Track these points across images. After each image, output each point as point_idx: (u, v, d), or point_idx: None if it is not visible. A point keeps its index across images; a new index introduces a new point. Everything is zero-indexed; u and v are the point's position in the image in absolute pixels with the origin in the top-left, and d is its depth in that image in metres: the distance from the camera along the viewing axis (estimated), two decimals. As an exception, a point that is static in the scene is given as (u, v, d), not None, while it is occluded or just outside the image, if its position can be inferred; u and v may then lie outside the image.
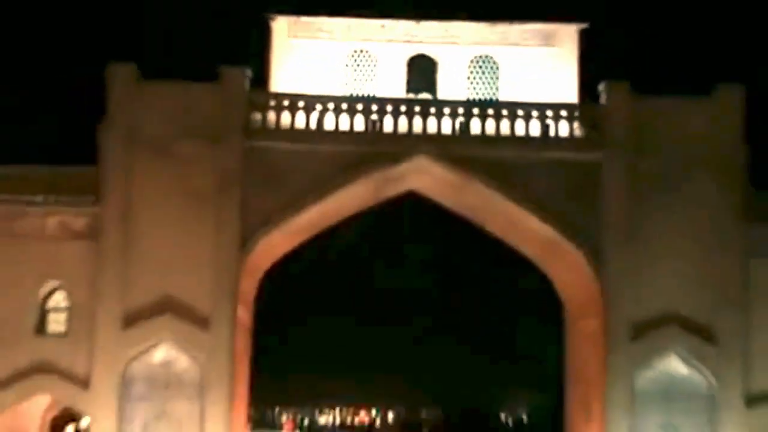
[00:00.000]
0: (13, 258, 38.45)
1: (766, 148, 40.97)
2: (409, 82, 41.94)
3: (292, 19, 41.91)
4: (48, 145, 44.02)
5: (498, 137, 39.97)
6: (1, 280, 38.33)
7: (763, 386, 38.77)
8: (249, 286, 41.73)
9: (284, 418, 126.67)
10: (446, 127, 40.05)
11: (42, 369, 38.21)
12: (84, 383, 38.03)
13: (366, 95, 40.69)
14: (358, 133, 39.83)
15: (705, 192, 39.12)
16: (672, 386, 38.97)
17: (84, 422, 41.44)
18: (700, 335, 38.80)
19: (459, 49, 42.17)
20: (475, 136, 39.96)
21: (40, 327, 38.82)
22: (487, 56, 42.19)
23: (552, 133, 40.12)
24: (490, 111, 40.17)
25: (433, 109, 40.25)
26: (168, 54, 50.43)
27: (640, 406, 38.72)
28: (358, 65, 41.98)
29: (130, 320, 38.19)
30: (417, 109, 40.19)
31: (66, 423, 47.82)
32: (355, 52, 42.02)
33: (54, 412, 43.28)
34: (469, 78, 42.16)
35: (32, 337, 38.49)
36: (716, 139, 39.42)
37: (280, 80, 41.46)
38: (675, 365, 39.06)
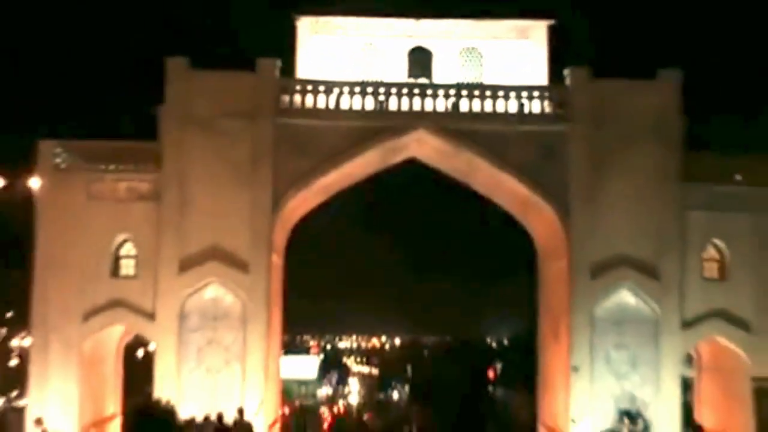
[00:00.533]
0: (91, 215, 38.45)
1: (699, 119, 41.03)
2: (409, 69, 41.64)
3: (314, 18, 41.59)
4: (119, 123, 43.93)
5: (482, 114, 39.75)
6: (82, 234, 38.23)
7: (695, 312, 38.88)
8: (281, 237, 41.87)
9: (311, 342, 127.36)
10: (440, 106, 39.86)
11: (116, 305, 38.47)
12: (150, 316, 38.34)
13: (374, 80, 40.27)
14: (368, 111, 39.63)
15: (650, 157, 39.03)
16: (623, 314, 39.06)
17: (151, 347, 41.52)
18: (645, 273, 38.85)
19: (450, 42, 41.90)
20: (464, 113, 39.73)
21: (114, 271, 38.89)
22: (473, 48, 41.92)
23: (526, 110, 39.83)
24: (476, 92, 39.90)
25: (429, 91, 40.04)
26: (212, 47, 50.21)
27: (598, 330, 38.86)
28: (367, 56, 41.71)
29: (185, 265, 38.35)
30: (416, 91, 39.98)
31: (137, 348, 48.35)
32: (365, 45, 41.75)
33: (127, 340, 43.55)
34: (458, 65, 41.85)
35: (108, 279, 38.59)
36: (659, 113, 39.27)
37: (304, 68, 41.17)
38: (626, 297, 39.12)
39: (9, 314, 65.02)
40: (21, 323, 50.56)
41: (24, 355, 49.20)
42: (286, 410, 64.33)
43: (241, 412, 33.68)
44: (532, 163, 39.71)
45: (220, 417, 33.64)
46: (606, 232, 39.10)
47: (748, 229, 39.40)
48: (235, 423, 32.70)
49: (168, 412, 32.48)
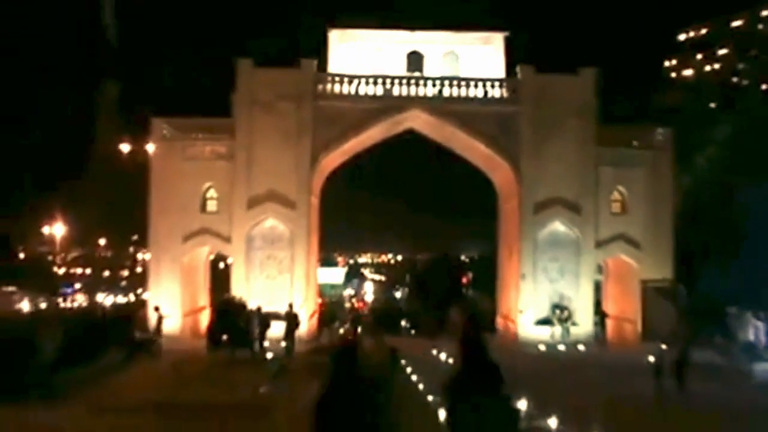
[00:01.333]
0: (186, 170, 39.06)
1: (609, 101, 41.93)
2: (407, 66, 41.56)
3: (341, 31, 41.74)
4: (205, 102, 44.71)
5: (459, 97, 39.93)
6: (180, 183, 38.83)
7: (604, 236, 39.75)
8: (317, 184, 42.32)
9: (339, 258, 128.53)
10: (429, 92, 40.02)
11: (204, 232, 39.39)
12: (228, 239, 39.19)
13: (382, 74, 40.28)
14: (378, 96, 39.82)
15: (575, 128, 39.55)
16: (556, 238, 39.84)
17: (228, 261, 42.56)
18: (571, 210, 39.64)
19: (436, 47, 41.91)
20: (446, 97, 39.94)
21: (203, 208, 39.62)
22: (452, 51, 41.98)
23: (489, 95, 40.03)
24: (454, 82, 40.05)
25: (421, 82, 40.17)
26: (268, 50, 50.90)
27: (539, 249, 39.77)
28: (377, 57, 41.65)
29: (251, 204, 38.97)
30: (412, 81, 40.15)
31: (219, 261, 49.44)
32: (376, 49, 41.72)
33: (212, 256, 44.48)
34: (442, 64, 41.78)
35: (199, 213, 39.36)
36: (581, 98, 39.66)
37: (334, 65, 41.23)
38: (558, 226, 39.95)
39: (134, 237, 66.99)
40: (142, 243, 51.89)
41: (145, 265, 50.42)
42: (321, 302, 65.52)
43: (290, 305, 33.60)
44: (494, 133, 40.03)
45: (291, 305, 33.87)
46: (545, 181, 39.58)
47: (641, 179, 39.88)
48: (287, 313, 32.68)
49: (241, 305, 32.92)
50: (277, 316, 33.04)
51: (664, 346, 21.14)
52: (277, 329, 32.47)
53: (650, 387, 20.42)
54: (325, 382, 7.22)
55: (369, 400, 7.05)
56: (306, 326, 38.74)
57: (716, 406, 18.70)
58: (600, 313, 40.26)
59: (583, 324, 39.11)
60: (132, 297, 70.43)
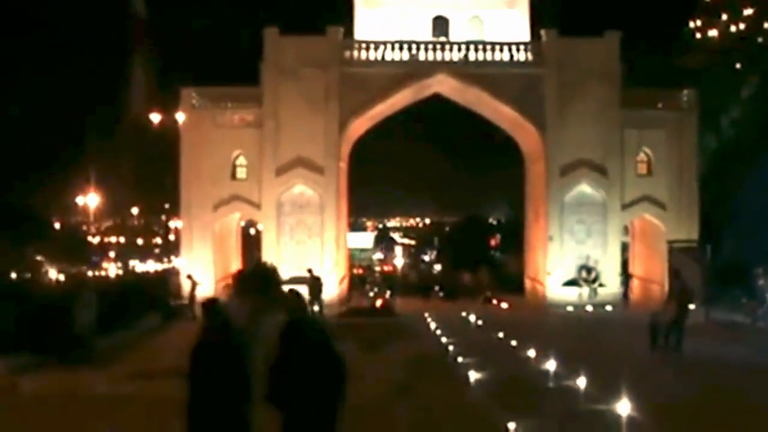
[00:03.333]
0: (216, 138, 39.25)
1: (633, 62, 41.21)
2: (433, 31, 41.45)
3: None
4: (232, 71, 44.74)
5: (484, 61, 39.72)
6: (210, 151, 39.11)
7: (630, 198, 39.69)
8: (345, 149, 42.31)
9: (368, 223, 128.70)
10: (455, 57, 39.87)
11: (235, 199, 39.64)
12: (258, 206, 39.46)
13: (408, 39, 40.06)
14: (405, 61, 39.71)
15: (599, 90, 39.24)
16: (582, 200, 39.81)
17: (259, 227, 43.03)
18: (597, 171, 39.53)
19: (461, 12, 41.78)
20: (472, 61, 39.74)
21: (233, 175, 39.86)
22: (477, 15, 41.86)
23: (515, 59, 39.83)
24: (480, 47, 39.88)
25: (447, 46, 40.07)
26: (295, 18, 50.62)
27: (565, 211, 39.75)
28: (403, 22, 41.37)
29: (280, 171, 39.12)
30: (438, 46, 40.02)
31: (250, 228, 49.84)
32: (402, 14, 41.48)
33: (243, 222, 44.94)
34: (467, 28, 41.70)
35: (229, 180, 39.62)
36: (605, 60, 39.38)
37: (360, 31, 41.19)
38: (584, 188, 39.86)
39: (166, 205, 67.51)
40: (174, 212, 52.40)
41: (177, 233, 50.99)
42: (356, 270, 65.83)
43: (310, 270, 32.88)
44: (519, 97, 39.80)
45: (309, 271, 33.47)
46: (570, 144, 39.41)
47: (666, 141, 39.72)
48: (309, 278, 31.91)
49: (272, 269, 33.37)
50: (300, 281, 33.05)
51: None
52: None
53: (647, 348, 20.19)
54: (199, 332, 7.56)
55: (238, 350, 7.36)
56: (337, 290, 39.19)
57: (715, 365, 18.45)
58: (627, 275, 40.22)
59: (610, 285, 39.14)
60: (165, 264, 71.40)
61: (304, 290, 31.35)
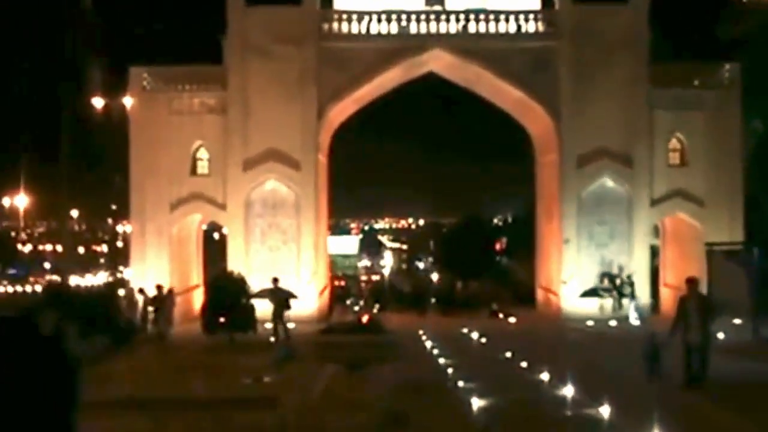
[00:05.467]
0: (173, 127, 39.36)
1: (664, 33, 41.56)
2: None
3: None
4: (191, 50, 44.40)
5: (487, 34, 39.81)
6: (166, 142, 39.20)
7: (661, 192, 39.72)
8: (325, 139, 42.53)
9: (352, 225, 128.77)
10: (452, 29, 39.93)
11: (195, 197, 39.73)
12: (222, 206, 39.57)
13: (397, 9, 39.97)
14: (393, 35, 39.77)
15: (624, 66, 39.34)
16: (603, 196, 39.95)
17: (224, 231, 42.73)
18: (621, 162, 39.60)
19: None
20: (472, 34, 39.84)
21: (193, 170, 39.97)
22: None
23: (523, 30, 39.89)
24: (481, 16, 39.88)
25: (443, 17, 40.05)
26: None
27: (583, 209, 39.86)
28: None
29: (248, 165, 39.31)
30: (432, 17, 40.01)
31: (213, 232, 49.52)
32: None
33: (205, 225, 44.85)
34: None
35: (188, 177, 39.76)
36: (630, 30, 39.39)
37: (340, 1, 40.56)
38: (605, 182, 39.95)
39: (113, 206, 66.90)
40: (122, 213, 51.94)
41: (126, 238, 50.57)
42: (338, 281, 65.67)
43: (275, 279, 31.98)
44: (529, 74, 39.89)
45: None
46: (589, 130, 39.51)
47: (703, 125, 39.71)
48: (271, 289, 31.51)
49: (240, 280, 32.23)
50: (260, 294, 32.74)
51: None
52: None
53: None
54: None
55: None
56: (316, 304, 39.40)
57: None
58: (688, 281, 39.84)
59: (638, 295, 39.00)
60: (113, 276, 70.90)
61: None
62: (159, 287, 33.56)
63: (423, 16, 40.26)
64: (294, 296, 33.99)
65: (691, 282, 18.17)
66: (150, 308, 33.40)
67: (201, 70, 40.38)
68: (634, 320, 36.94)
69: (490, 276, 58.50)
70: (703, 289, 36.00)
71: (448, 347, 25.11)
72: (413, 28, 40.08)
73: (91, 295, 41.61)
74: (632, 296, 38.44)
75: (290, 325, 31.02)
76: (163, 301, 32.60)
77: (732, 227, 38.91)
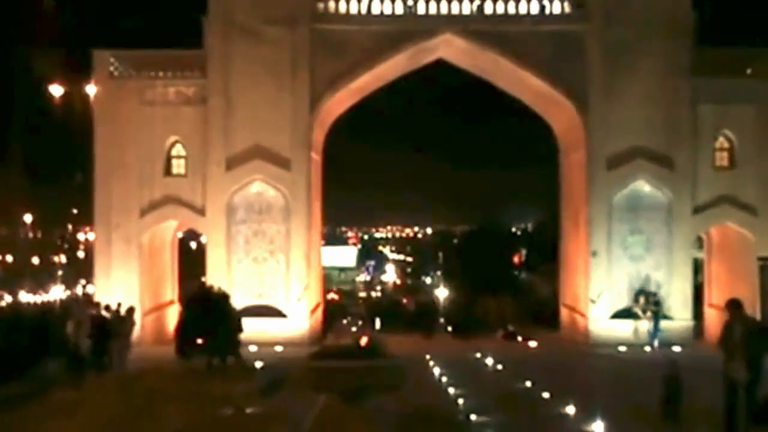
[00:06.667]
0: (145, 119, 39.31)
1: (711, 14, 41.22)
2: None
3: None
4: (166, 32, 44.52)
5: (506, 15, 39.73)
6: (136, 137, 39.23)
7: (706, 199, 39.54)
8: (319, 135, 42.55)
9: (349, 233, 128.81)
10: (466, 9, 39.88)
11: (170, 201, 39.70)
12: (201, 211, 39.54)
13: None
14: (398, 16, 39.77)
15: (662, 53, 39.18)
16: (638, 202, 39.79)
17: (203, 239, 42.68)
18: (659, 163, 39.41)
19: None
20: (488, 15, 39.78)
21: (167, 170, 39.91)
22: None
23: (548, 11, 39.83)
24: None
25: None
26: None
27: (615, 217, 39.70)
28: None
29: (231, 164, 39.31)
30: None
31: (190, 240, 49.58)
32: None
33: (181, 233, 44.88)
34: None
35: (162, 177, 39.71)
36: (670, 11, 39.21)
37: None
38: (641, 186, 39.76)
39: (74, 211, 66.65)
40: (85, 219, 51.77)
41: (89, 248, 50.50)
42: (333, 297, 65.67)
43: (201, 286, 32.59)
44: (553, 61, 39.85)
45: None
46: (622, 125, 39.44)
47: (755, 120, 39.42)
48: (199, 297, 31.12)
49: (222, 296, 31.68)
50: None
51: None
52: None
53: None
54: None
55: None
56: (307, 324, 39.47)
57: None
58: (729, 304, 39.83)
59: (678, 316, 39.11)
60: (73, 291, 70.59)
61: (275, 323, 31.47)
62: (117, 305, 32.87)
63: (432, -5, 40.16)
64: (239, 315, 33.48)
65: (734, 306, 16.93)
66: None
67: (177, 54, 40.38)
68: (652, 345, 37.17)
69: (507, 293, 58.37)
70: (755, 310, 36.31)
71: (459, 374, 25.10)
72: (421, 9, 40.11)
73: (42, 315, 41.42)
74: (657, 316, 38.45)
75: (278, 348, 30.99)
76: (123, 321, 32.24)
77: (790, 239, 38.97)
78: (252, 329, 32.74)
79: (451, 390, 22.02)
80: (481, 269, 64.74)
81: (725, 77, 39.64)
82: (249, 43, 39.36)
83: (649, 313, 38.76)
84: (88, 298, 44.16)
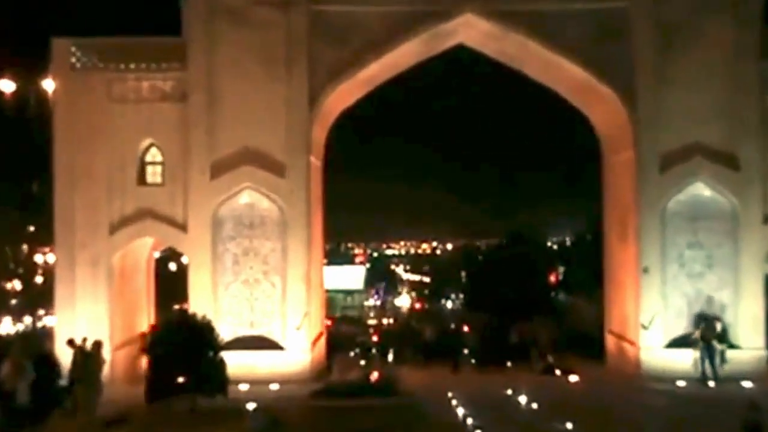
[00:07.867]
0: (114, 118, 39.12)
1: None
2: None
3: None
4: (136, 18, 44.61)
5: None
6: (104, 139, 39.00)
7: None
8: (319, 135, 42.41)
9: (356, 251, 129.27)
10: None
11: (145, 215, 39.40)
12: (182, 226, 39.30)
13: None
14: None
15: (723, 33, 38.81)
16: (698, 209, 39.37)
17: (184, 260, 42.71)
18: (722, 163, 38.98)
19: None
20: None
21: (141, 178, 39.73)
22: None
23: None
24: None
25: None
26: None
27: (670, 227, 39.34)
28: None
29: (216, 170, 39.06)
30: None
31: (169, 261, 49.68)
32: None
33: (158, 253, 44.74)
34: None
35: (135, 186, 39.47)
36: None
37: None
38: (700, 190, 39.40)
39: (30, 228, 66.79)
40: (43, 238, 51.89)
41: (48, 272, 50.49)
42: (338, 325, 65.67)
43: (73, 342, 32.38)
44: (592, 44, 39.64)
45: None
46: (677, 119, 39.15)
47: (839, 113, 39.21)
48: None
49: (206, 325, 32.52)
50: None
51: None
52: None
53: None
54: None
55: None
56: (308, 356, 39.41)
57: None
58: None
59: (747, 344, 38.78)
60: (29, 323, 70.63)
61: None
62: (82, 340, 33.09)
63: (451, -30, 40.17)
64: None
65: None
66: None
67: (152, 42, 40.19)
68: (715, 379, 37.06)
69: (543, 318, 57.98)
70: None
71: (487, 416, 25.27)
72: (437, -15, 40.02)
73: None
74: (719, 339, 38.15)
75: (273, 386, 31.09)
76: (90, 359, 32.00)
77: None
78: (242, 364, 32.46)
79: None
80: (511, 289, 64.52)
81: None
82: (237, 29, 39.19)
83: (712, 342, 38.24)
84: (47, 331, 43.87)
